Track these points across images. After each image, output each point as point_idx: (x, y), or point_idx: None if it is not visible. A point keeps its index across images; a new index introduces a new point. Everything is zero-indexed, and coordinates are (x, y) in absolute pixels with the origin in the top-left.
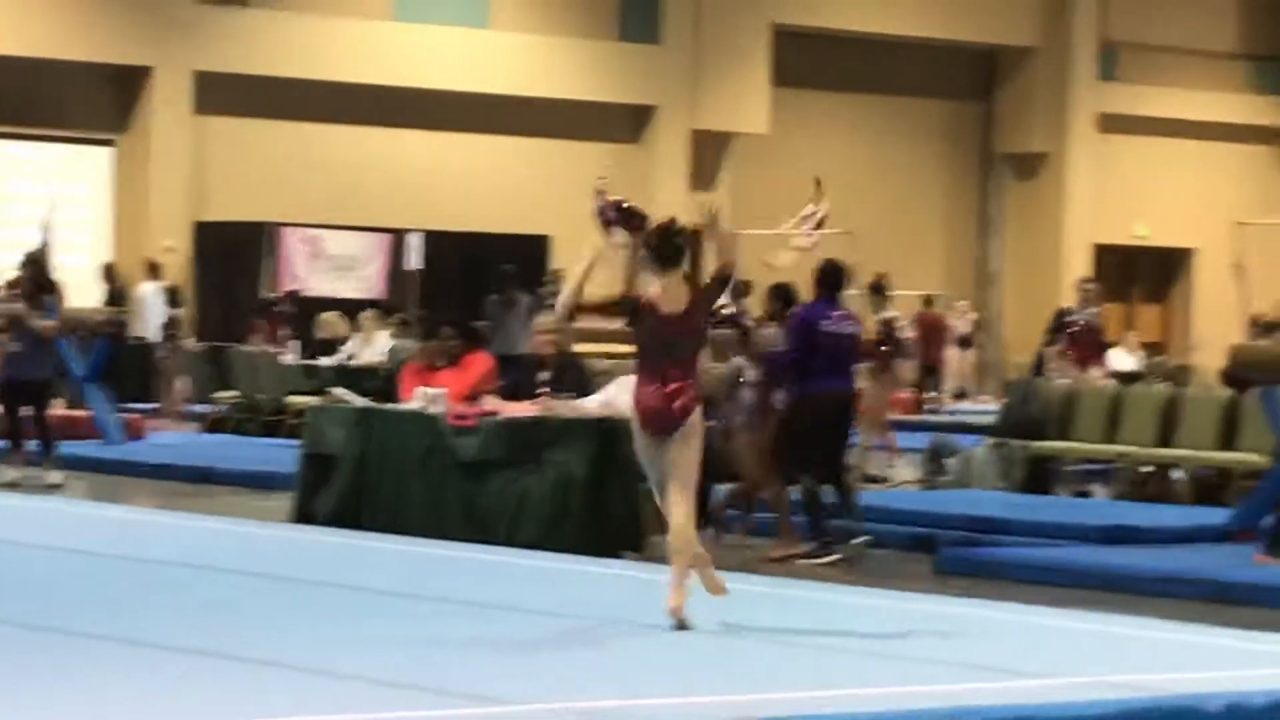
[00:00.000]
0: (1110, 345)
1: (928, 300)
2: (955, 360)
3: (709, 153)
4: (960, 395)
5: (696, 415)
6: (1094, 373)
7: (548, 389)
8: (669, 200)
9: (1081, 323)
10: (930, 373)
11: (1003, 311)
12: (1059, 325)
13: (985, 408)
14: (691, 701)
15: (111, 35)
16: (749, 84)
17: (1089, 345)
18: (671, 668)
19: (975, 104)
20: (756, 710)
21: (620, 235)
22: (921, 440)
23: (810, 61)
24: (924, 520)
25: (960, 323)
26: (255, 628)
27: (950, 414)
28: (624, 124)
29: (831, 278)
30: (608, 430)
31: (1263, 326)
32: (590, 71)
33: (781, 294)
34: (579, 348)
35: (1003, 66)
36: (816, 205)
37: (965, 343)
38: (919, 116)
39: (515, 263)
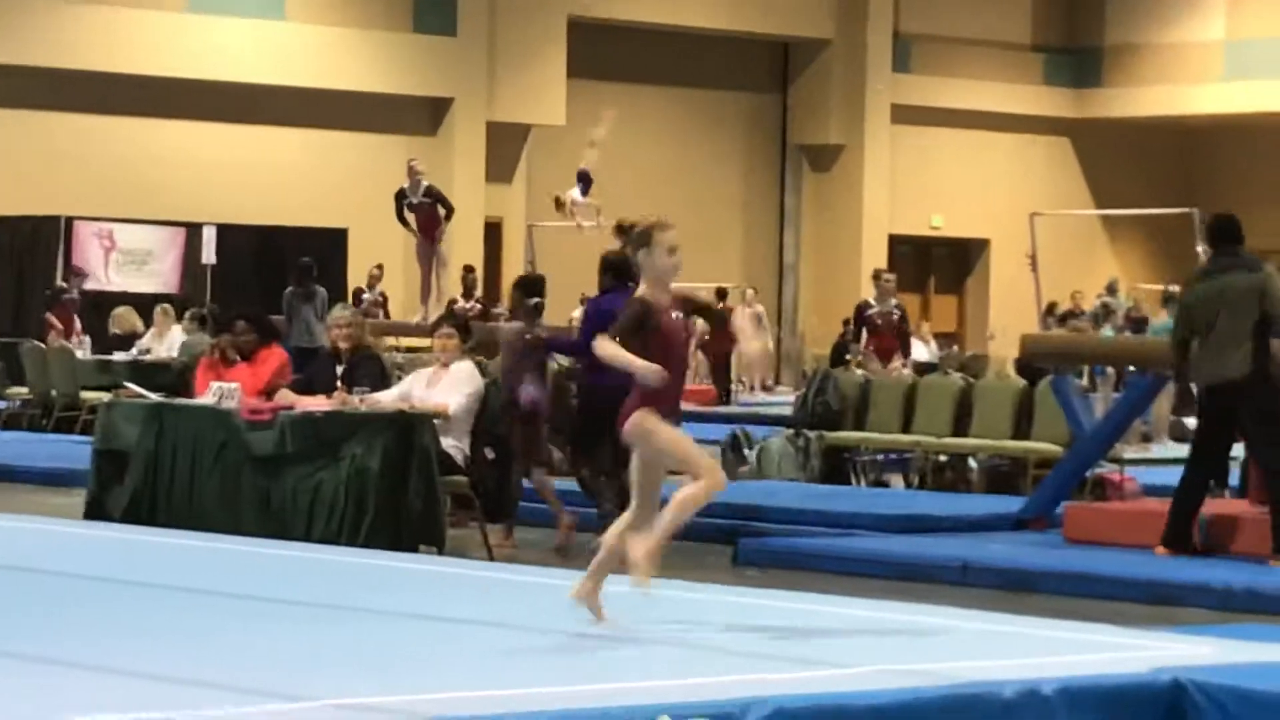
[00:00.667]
0: (910, 336)
1: (721, 292)
2: (743, 352)
3: (507, 145)
4: (764, 387)
5: None
6: (896, 364)
7: (344, 383)
8: (467, 193)
9: (881, 315)
10: (720, 366)
11: (800, 302)
12: (860, 319)
13: (782, 399)
14: (471, 695)
15: None
16: (545, 76)
17: (891, 337)
18: (460, 662)
19: (772, 96)
20: (535, 704)
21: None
22: (720, 432)
23: (607, 53)
24: (722, 511)
25: (749, 314)
26: (46, 626)
27: (748, 405)
28: (421, 116)
29: (621, 268)
30: (405, 424)
31: (1057, 317)
32: (386, 64)
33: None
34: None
35: (798, 58)
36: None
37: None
38: (716, 108)
39: (312, 256)
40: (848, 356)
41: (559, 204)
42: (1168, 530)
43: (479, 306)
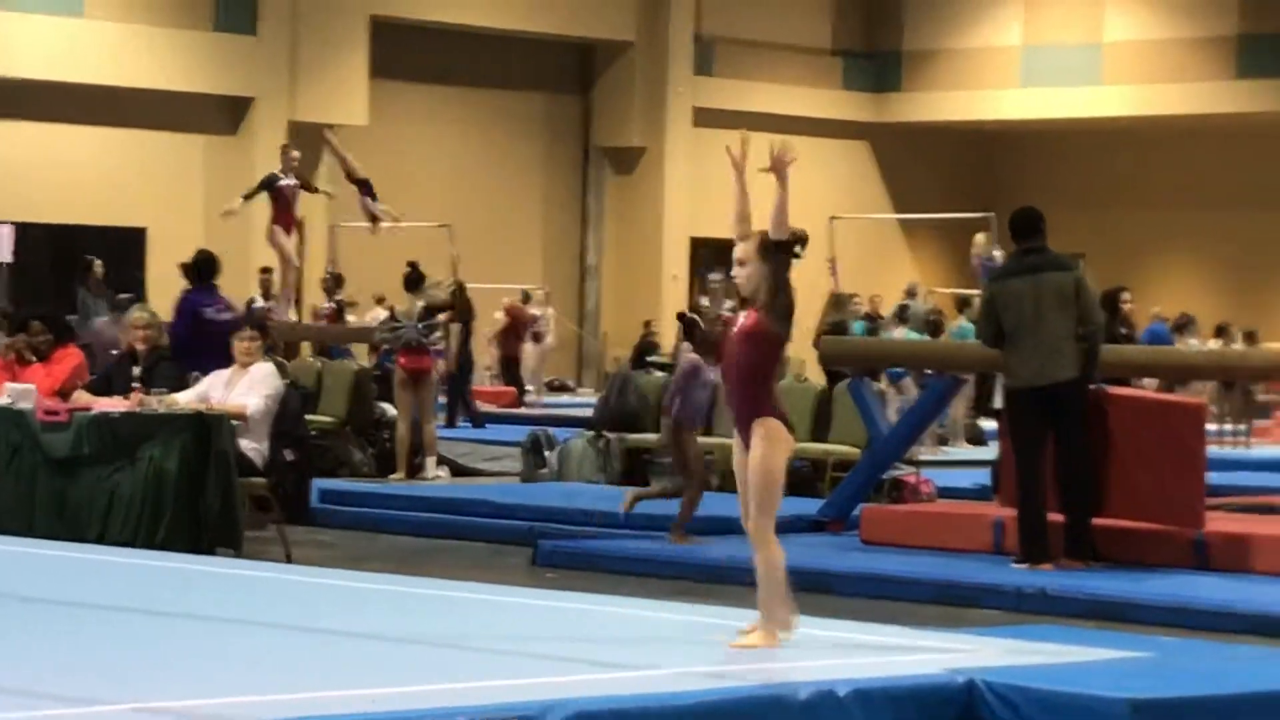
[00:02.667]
0: None
1: (525, 295)
2: (531, 353)
3: (308, 145)
4: (561, 387)
5: None
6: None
7: (142, 384)
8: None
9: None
10: (512, 366)
11: (602, 304)
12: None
13: (582, 400)
14: (268, 699)
15: None
16: (347, 76)
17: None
18: (257, 665)
19: (574, 97)
20: (336, 707)
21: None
22: (520, 433)
23: (410, 54)
24: (522, 513)
25: (540, 316)
26: None
27: (547, 406)
28: (221, 116)
29: (205, 267)
30: (203, 425)
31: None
32: (186, 62)
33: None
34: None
35: (601, 60)
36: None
37: (537, 337)
38: (519, 110)
39: (111, 255)
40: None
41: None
42: (1030, 546)
43: (334, 306)
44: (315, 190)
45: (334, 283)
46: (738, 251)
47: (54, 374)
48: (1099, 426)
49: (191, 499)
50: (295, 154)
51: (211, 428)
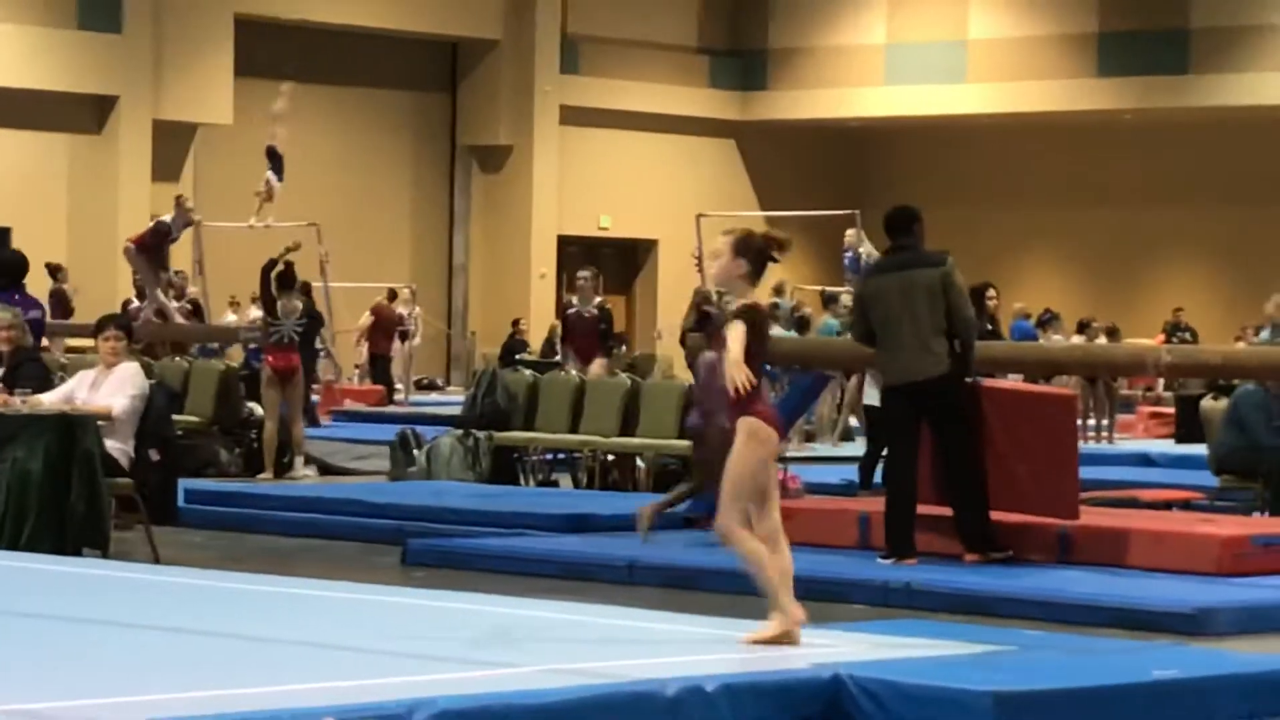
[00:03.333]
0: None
1: (391, 293)
2: (399, 352)
3: (173, 143)
4: (430, 386)
5: None
6: (597, 366)
7: (5, 384)
8: (132, 192)
9: (579, 317)
10: (380, 364)
11: (470, 303)
12: (565, 319)
13: (452, 399)
14: (135, 700)
15: None
16: (212, 74)
17: (589, 337)
18: (125, 666)
19: (441, 96)
20: (198, 708)
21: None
22: (389, 432)
23: (275, 52)
24: (391, 512)
25: (407, 314)
26: None
27: (416, 405)
28: (86, 114)
29: (13, 269)
30: (67, 426)
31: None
32: (49, 60)
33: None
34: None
35: (466, 59)
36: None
37: (405, 335)
38: (386, 108)
39: None
40: (556, 358)
41: (267, 195)
42: (896, 541)
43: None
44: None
45: (184, 280)
46: (716, 243)
47: None
48: (975, 420)
49: (56, 500)
50: (190, 206)
51: (76, 428)
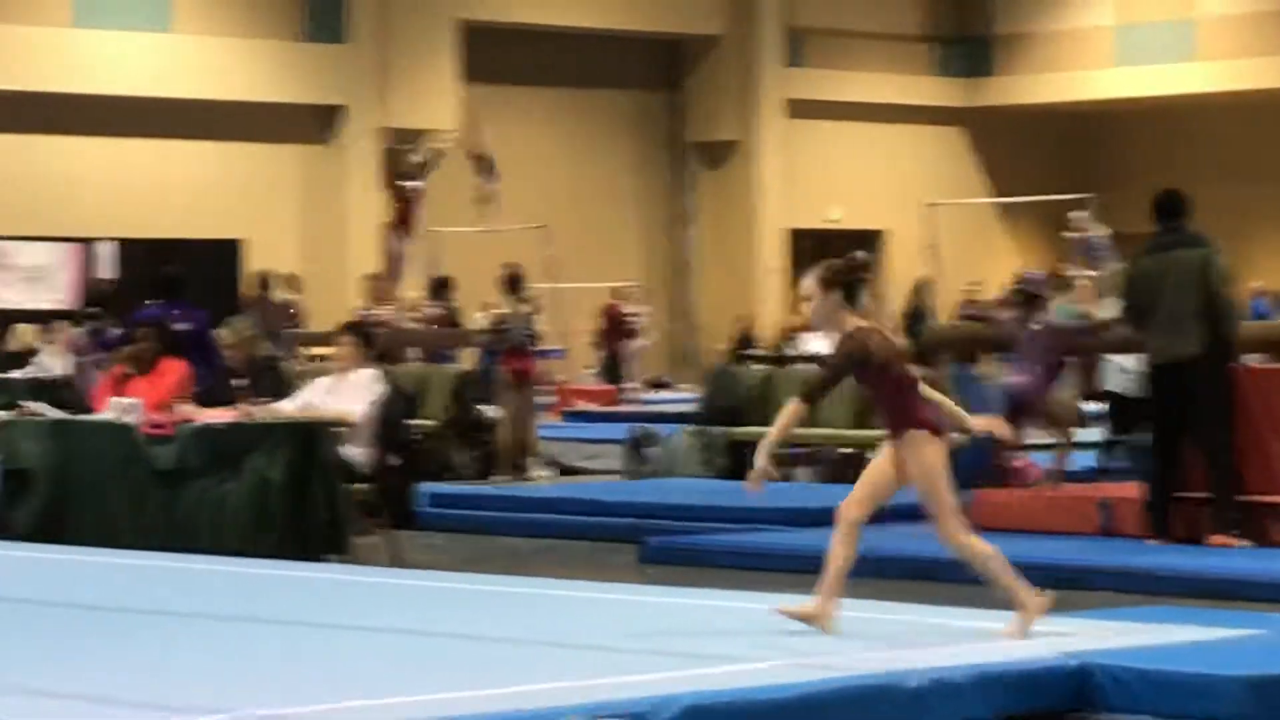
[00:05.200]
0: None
1: (616, 292)
2: (630, 351)
3: (399, 150)
4: (661, 384)
5: None
6: None
7: (246, 395)
8: (361, 200)
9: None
10: (613, 364)
11: (699, 300)
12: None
13: (684, 396)
14: (381, 703)
15: None
16: (437, 81)
17: None
18: (369, 669)
19: (664, 94)
20: (449, 709)
21: None
22: (622, 431)
23: (498, 56)
24: (627, 510)
25: (636, 313)
26: None
27: (648, 403)
28: (312, 125)
29: (170, 283)
30: (306, 434)
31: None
32: (276, 73)
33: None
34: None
35: (690, 55)
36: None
37: (635, 334)
38: (609, 108)
39: (208, 268)
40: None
41: (485, 199)
42: (1156, 521)
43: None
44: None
45: (441, 286)
46: (804, 287)
47: (158, 387)
48: (1229, 401)
49: (298, 507)
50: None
51: (315, 435)
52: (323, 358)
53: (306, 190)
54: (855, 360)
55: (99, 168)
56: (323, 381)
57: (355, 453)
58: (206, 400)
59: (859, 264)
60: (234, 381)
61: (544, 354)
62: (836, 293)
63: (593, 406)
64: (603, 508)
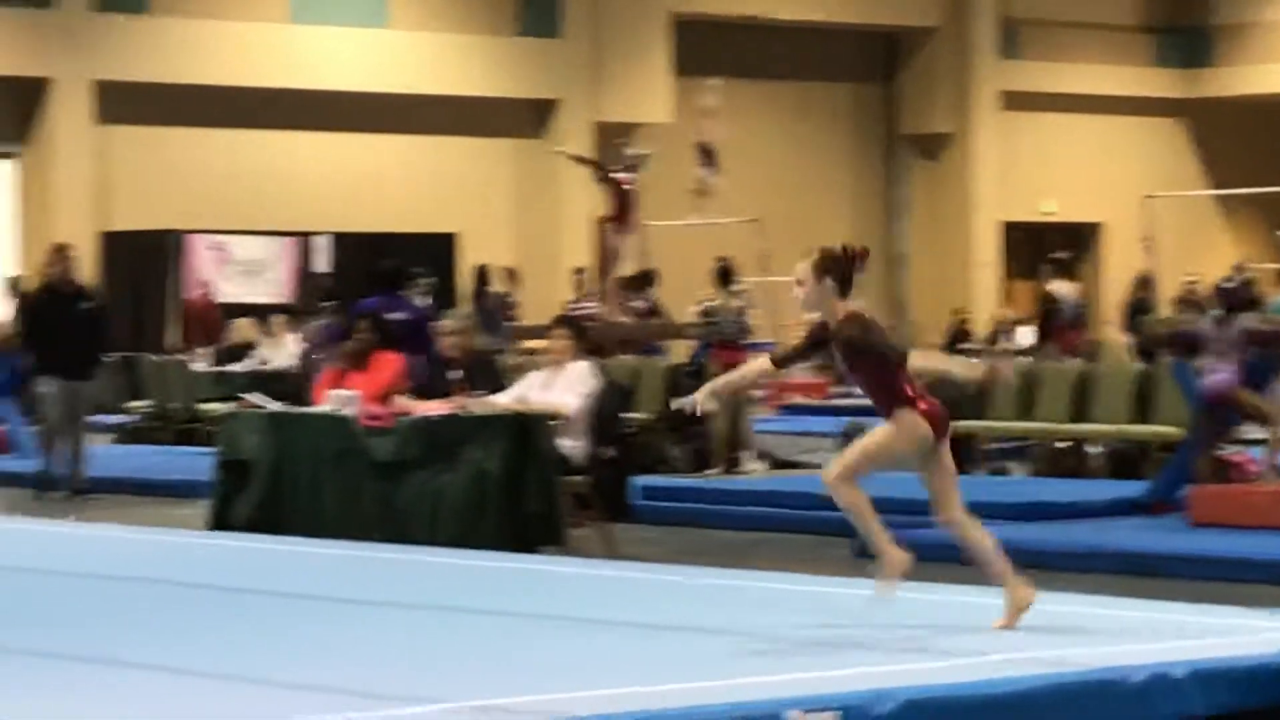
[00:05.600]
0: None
1: None
2: None
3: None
4: None
5: None
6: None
7: (461, 387)
8: (576, 194)
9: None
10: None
11: (912, 293)
12: (1045, 311)
13: None
14: (600, 694)
15: (8, 47)
16: (650, 74)
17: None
18: (587, 661)
19: (878, 86)
20: (667, 701)
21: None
22: (833, 424)
23: (711, 49)
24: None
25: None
26: (173, 636)
27: (859, 396)
28: (527, 119)
29: (389, 275)
30: (522, 426)
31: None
32: (491, 67)
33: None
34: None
35: (904, 47)
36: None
37: None
38: (822, 100)
39: (423, 261)
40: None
41: (703, 192)
42: None
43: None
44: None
45: (643, 280)
46: (796, 271)
47: (376, 379)
48: None
49: (514, 499)
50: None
51: (531, 428)
52: (536, 351)
53: (520, 184)
54: (849, 346)
55: (315, 162)
56: (537, 375)
57: (570, 445)
58: (423, 393)
59: (855, 254)
60: (450, 374)
61: (756, 347)
62: (829, 280)
63: (806, 400)
64: (817, 501)
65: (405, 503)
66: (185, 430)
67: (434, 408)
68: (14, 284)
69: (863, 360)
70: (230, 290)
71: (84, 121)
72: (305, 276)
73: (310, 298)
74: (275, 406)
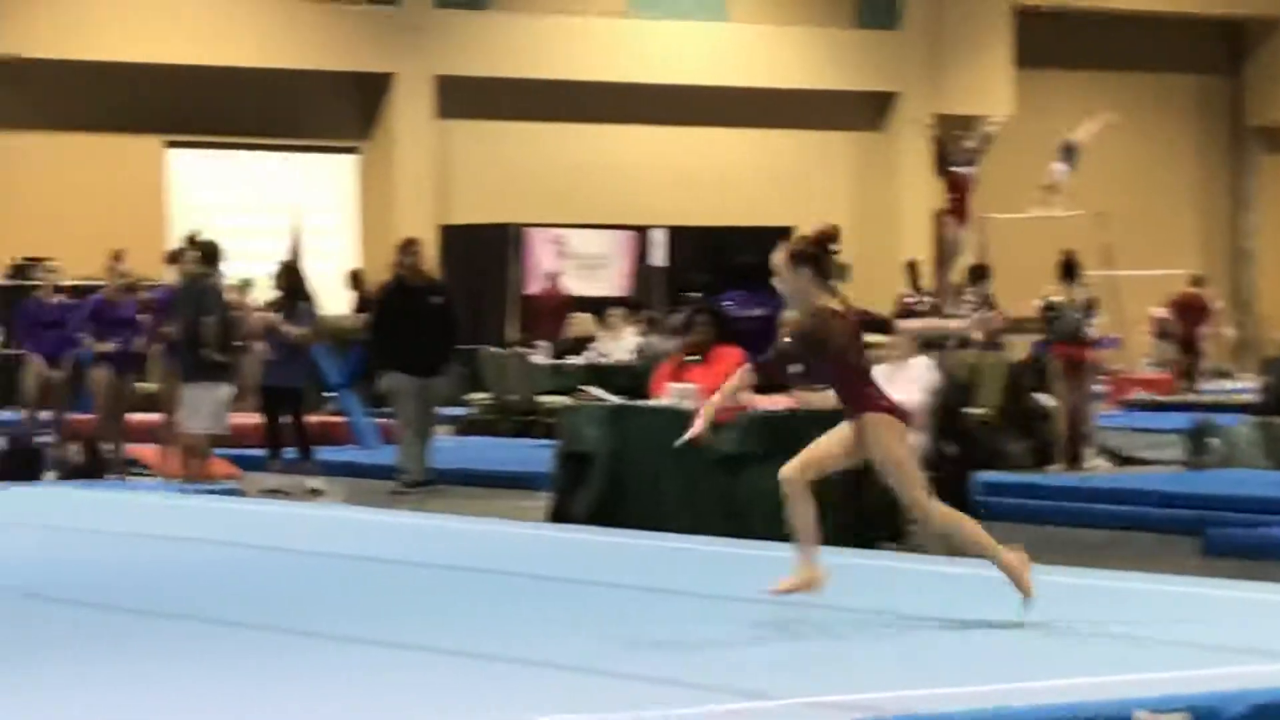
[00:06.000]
0: None
1: (1195, 280)
2: (1212, 339)
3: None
4: (1223, 374)
5: None
6: None
7: (800, 381)
8: (913, 188)
9: None
10: (1188, 352)
11: (1259, 288)
12: None
13: (1244, 386)
14: (938, 692)
15: (352, 44)
16: (991, 66)
17: None
18: (925, 658)
19: (1224, 77)
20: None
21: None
22: (1182, 421)
23: (1053, 41)
24: (1189, 502)
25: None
26: (523, 628)
27: (1208, 393)
28: (865, 111)
29: (750, 271)
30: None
31: None
32: (830, 60)
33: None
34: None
35: (1251, 38)
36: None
37: (1211, 323)
38: (1166, 92)
39: (758, 255)
40: None
41: (1055, 187)
42: None
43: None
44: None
45: (978, 274)
46: (773, 262)
47: (716, 373)
48: None
49: (853, 494)
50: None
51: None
52: (876, 346)
53: (858, 177)
54: (810, 344)
55: (651, 156)
56: (879, 370)
57: (912, 441)
58: (764, 387)
59: (827, 238)
60: (790, 369)
61: (1099, 343)
62: (806, 268)
63: (1151, 395)
64: (1164, 499)
65: (745, 497)
66: (524, 423)
67: (773, 403)
68: (356, 278)
69: (824, 358)
70: (568, 284)
71: (425, 116)
72: (642, 270)
73: (649, 292)
74: (614, 400)
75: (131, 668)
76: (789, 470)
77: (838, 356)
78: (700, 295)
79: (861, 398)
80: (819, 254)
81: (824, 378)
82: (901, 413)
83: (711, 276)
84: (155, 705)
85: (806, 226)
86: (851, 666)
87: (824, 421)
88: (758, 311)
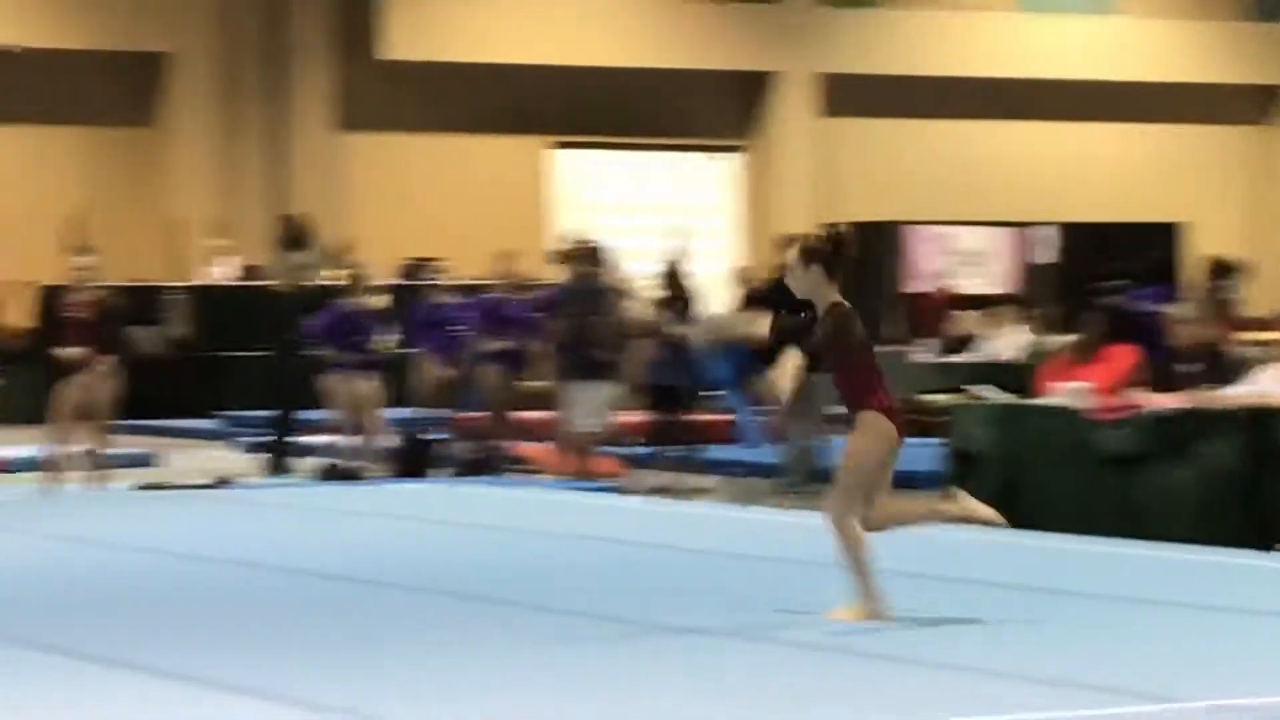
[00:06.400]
0: None
1: None
2: None
3: None
4: None
5: None
6: None
7: (1194, 379)
8: None
9: None
10: None
11: None
12: None
13: None
14: None
15: (735, 43)
16: None
17: None
18: None
19: None
20: None
21: None
22: None
23: None
24: None
25: None
26: (923, 630)
27: None
28: (1255, 105)
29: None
30: (1259, 420)
31: None
32: (1218, 53)
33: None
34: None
35: None
36: None
37: None
38: None
39: (1147, 251)
40: None
41: None
42: None
43: None
44: None
45: None
46: (786, 258)
47: (1109, 372)
48: None
49: (1248, 495)
50: None
51: (1270, 423)
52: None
53: (1250, 172)
54: (834, 340)
55: (1035, 152)
56: (1273, 367)
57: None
58: (1156, 385)
59: (840, 238)
60: (1183, 367)
61: None
62: (818, 266)
63: None
64: None
65: (1138, 498)
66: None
67: (1166, 401)
68: (741, 275)
69: (837, 355)
70: (952, 281)
71: (807, 114)
72: (1028, 267)
73: (1036, 288)
74: (1004, 398)
75: (538, 659)
76: (829, 507)
77: (858, 353)
78: (1110, 289)
79: (865, 394)
80: (831, 252)
81: (837, 371)
82: (899, 417)
83: (1110, 272)
84: (564, 696)
85: (1198, 223)
86: (1247, 669)
87: (1219, 422)
88: (1149, 309)
